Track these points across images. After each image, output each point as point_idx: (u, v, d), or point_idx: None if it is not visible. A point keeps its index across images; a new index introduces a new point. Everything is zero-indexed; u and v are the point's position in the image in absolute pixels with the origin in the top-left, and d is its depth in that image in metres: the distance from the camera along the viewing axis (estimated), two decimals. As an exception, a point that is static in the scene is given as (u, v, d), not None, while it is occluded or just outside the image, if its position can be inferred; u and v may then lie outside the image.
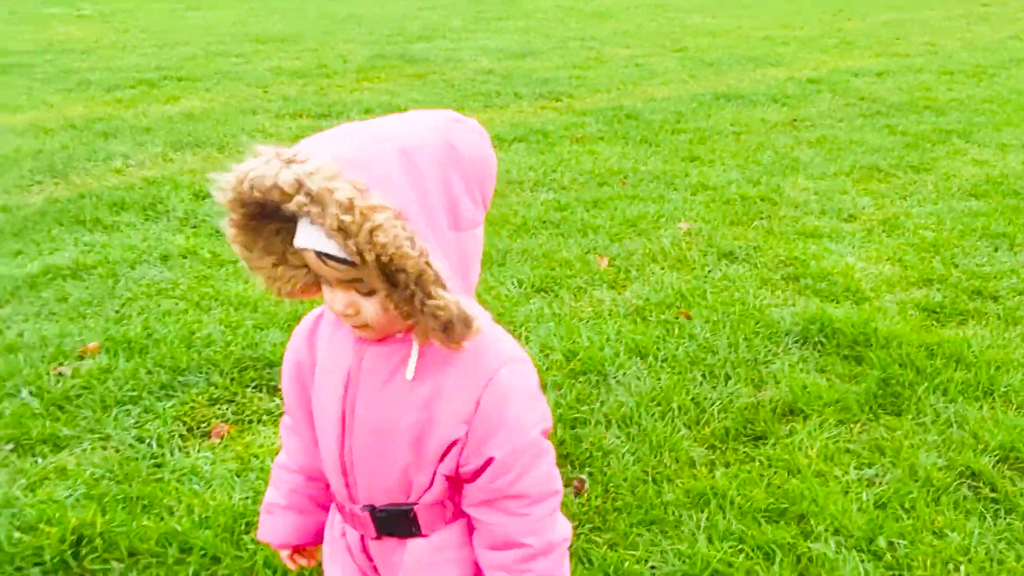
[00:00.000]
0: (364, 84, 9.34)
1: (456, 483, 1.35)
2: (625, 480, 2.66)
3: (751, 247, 4.54)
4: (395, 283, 1.11)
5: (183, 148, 6.56)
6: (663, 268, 4.28)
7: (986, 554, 2.38)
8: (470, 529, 1.39)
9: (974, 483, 2.68)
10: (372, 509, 1.37)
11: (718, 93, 8.74)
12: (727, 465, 2.75)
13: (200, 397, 3.07)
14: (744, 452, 2.82)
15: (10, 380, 3.13)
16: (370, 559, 1.45)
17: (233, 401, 3.08)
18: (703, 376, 3.24)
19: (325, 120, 7.54)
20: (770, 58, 10.98)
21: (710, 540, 2.42)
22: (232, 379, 3.19)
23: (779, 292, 4.01)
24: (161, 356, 3.29)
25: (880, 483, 2.66)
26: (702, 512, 2.53)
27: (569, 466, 2.72)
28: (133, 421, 2.93)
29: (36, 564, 2.26)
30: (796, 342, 3.51)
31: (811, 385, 3.17)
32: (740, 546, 2.39)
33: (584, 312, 3.79)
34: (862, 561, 2.35)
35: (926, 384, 3.17)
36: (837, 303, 3.85)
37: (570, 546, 1.38)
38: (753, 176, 5.86)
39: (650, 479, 2.67)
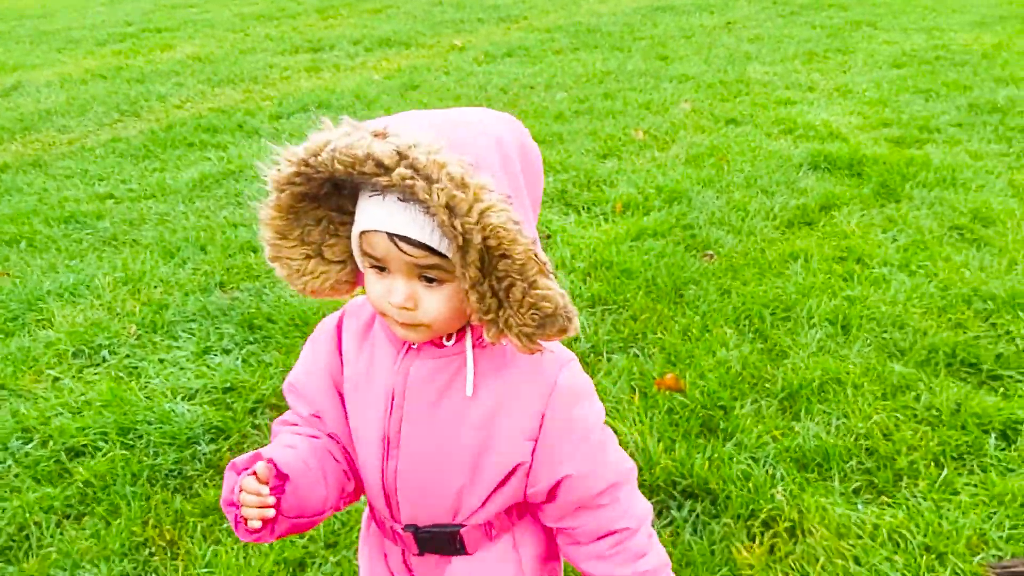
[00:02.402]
0: (331, 21, 10.19)
1: (512, 506, 1.32)
2: (737, 251, 3.90)
3: (747, 114, 5.82)
4: (486, 272, 1.04)
5: (219, 84, 7.40)
6: (689, 133, 5.52)
7: (977, 265, 3.73)
8: (512, 544, 1.37)
9: (959, 231, 4.02)
10: (415, 529, 1.31)
11: (654, 6, 9.98)
12: (799, 240, 4.02)
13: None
14: (805, 231, 4.10)
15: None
16: (409, 571, 1.40)
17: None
18: (759, 192, 4.50)
19: (325, 52, 8.43)
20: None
21: (805, 277, 3.68)
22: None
23: (782, 140, 5.31)
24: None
25: (901, 238, 3.98)
26: (795, 262, 3.79)
27: (695, 250, 3.94)
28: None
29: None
30: (809, 168, 4.81)
31: (833, 190, 4.47)
32: (828, 276, 3.66)
33: (648, 165, 4.99)
34: (905, 277, 3.64)
35: (910, 183, 4.51)
36: (828, 143, 5.17)
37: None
38: (719, 66, 7.14)
39: (752, 249, 3.92)
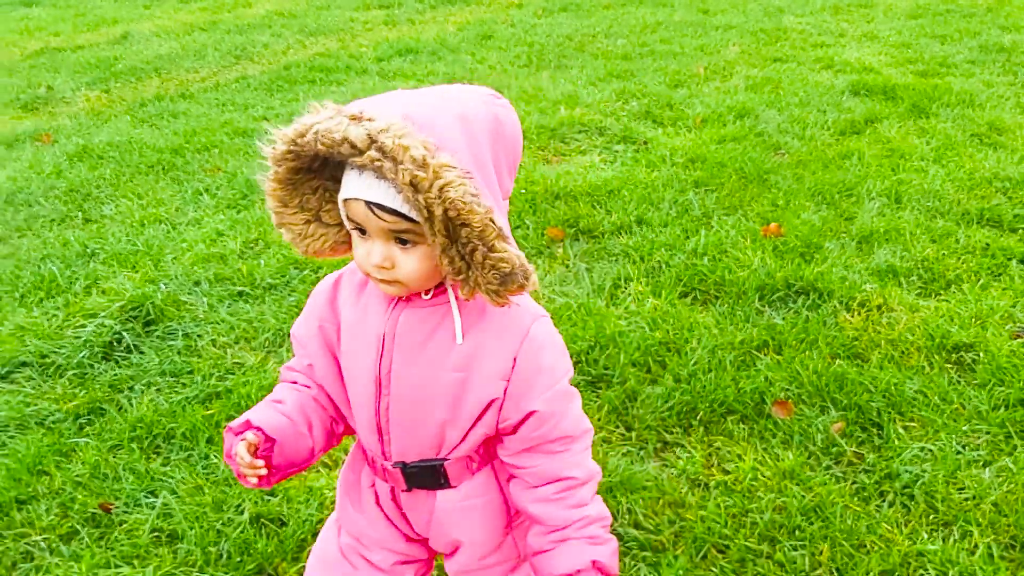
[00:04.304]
0: (389, -18, 11.05)
1: (487, 439, 1.45)
2: (802, 151, 4.88)
3: (789, 55, 6.79)
4: (453, 238, 1.18)
5: (312, 35, 8.30)
6: (743, 68, 6.49)
7: (995, 160, 4.70)
8: (494, 476, 1.51)
9: (979, 138, 5.01)
10: (403, 465, 1.46)
11: (685, -32, 10.89)
12: (851, 143, 5.00)
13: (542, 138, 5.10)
14: (855, 138, 5.08)
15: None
16: (399, 508, 1.54)
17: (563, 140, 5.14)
18: (813, 110, 5.48)
19: (395, 9, 9.32)
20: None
21: (861, 169, 4.65)
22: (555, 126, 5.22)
23: (824, 73, 6.28)
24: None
25: (933, 143, 4.95)
26: (851, 158, 4.76)
27: (769, 150, 4.91)
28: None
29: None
30: (851, 94, 5.79)
31: (873, 108, 5.45)
32: (879, 167, 4.64)
33: (714, 92, 5.95)
34: (939, 168, 4.61)
35: (937, 102, 5.49)
36: (863, 75, 6.14)
37: None
38: (756, 18, 8.09)
39: (815, 150, 4.89)
